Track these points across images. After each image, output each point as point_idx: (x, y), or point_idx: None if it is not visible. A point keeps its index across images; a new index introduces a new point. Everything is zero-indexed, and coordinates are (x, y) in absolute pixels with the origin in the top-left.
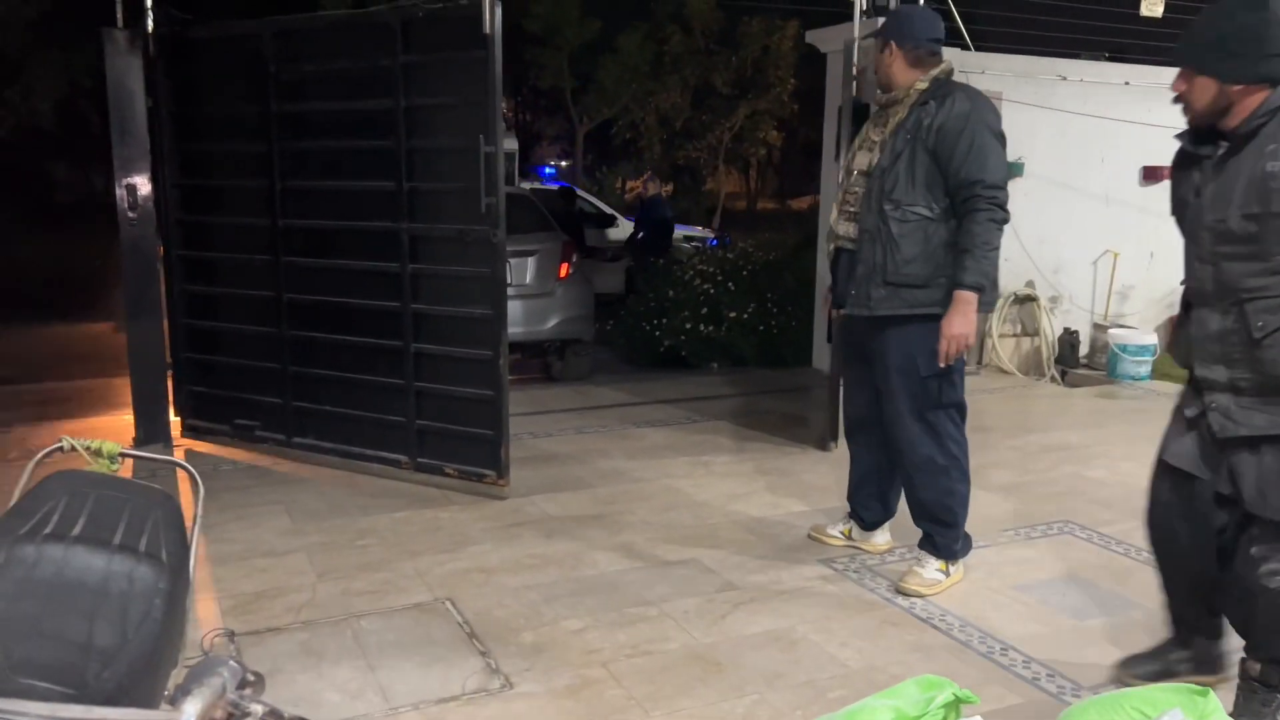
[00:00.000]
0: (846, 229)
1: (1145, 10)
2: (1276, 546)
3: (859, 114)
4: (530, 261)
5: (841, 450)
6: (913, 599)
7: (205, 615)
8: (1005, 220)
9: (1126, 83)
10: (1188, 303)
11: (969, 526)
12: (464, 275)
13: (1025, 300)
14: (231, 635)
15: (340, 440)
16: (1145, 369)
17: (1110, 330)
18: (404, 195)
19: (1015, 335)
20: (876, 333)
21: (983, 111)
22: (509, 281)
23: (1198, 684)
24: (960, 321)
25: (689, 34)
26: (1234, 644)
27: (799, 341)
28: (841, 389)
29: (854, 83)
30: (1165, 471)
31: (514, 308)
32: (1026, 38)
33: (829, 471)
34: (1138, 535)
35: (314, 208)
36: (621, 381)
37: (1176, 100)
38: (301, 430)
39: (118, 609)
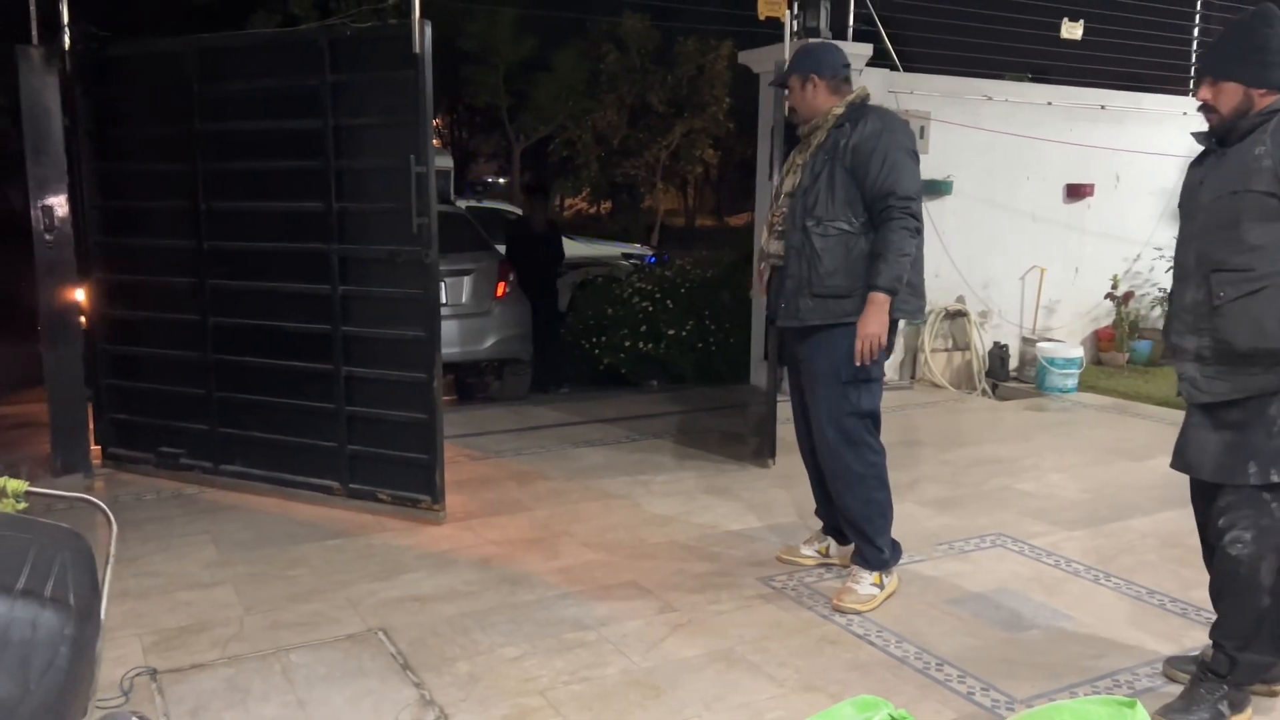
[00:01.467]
0: (776, 247)
1: (1065, 33)
2: (1241, 514)
3: (790, 133)
4: (466, 281)
5: (781, 467)
6: (849, 616)
7: (125, 654)
8: (918, 229)
9: (1049, 103)
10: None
11: (901, 537)
12: (396, 297)
13: (956, 315)
14: (153, 674)
15: (270, 467)
16: (1072, 381)
17: (1038, 344)
18: (333, 216)
19: (947, 350)
20: (804, 342)
21: (894, 130)
22: (445, 301)
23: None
24: (874, 321)
25: (625, 53)
26: None
27: (737, 359)
28: (790, 407)
29: (785, 103)
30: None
31: (450, 327)
32: (953, 59)
33: (768, 488)
34: (1067, 546)
35: (240, 229)
36: (560, 401)
37: (1202, 107)
38: (229, 457)
39: (18, 658)
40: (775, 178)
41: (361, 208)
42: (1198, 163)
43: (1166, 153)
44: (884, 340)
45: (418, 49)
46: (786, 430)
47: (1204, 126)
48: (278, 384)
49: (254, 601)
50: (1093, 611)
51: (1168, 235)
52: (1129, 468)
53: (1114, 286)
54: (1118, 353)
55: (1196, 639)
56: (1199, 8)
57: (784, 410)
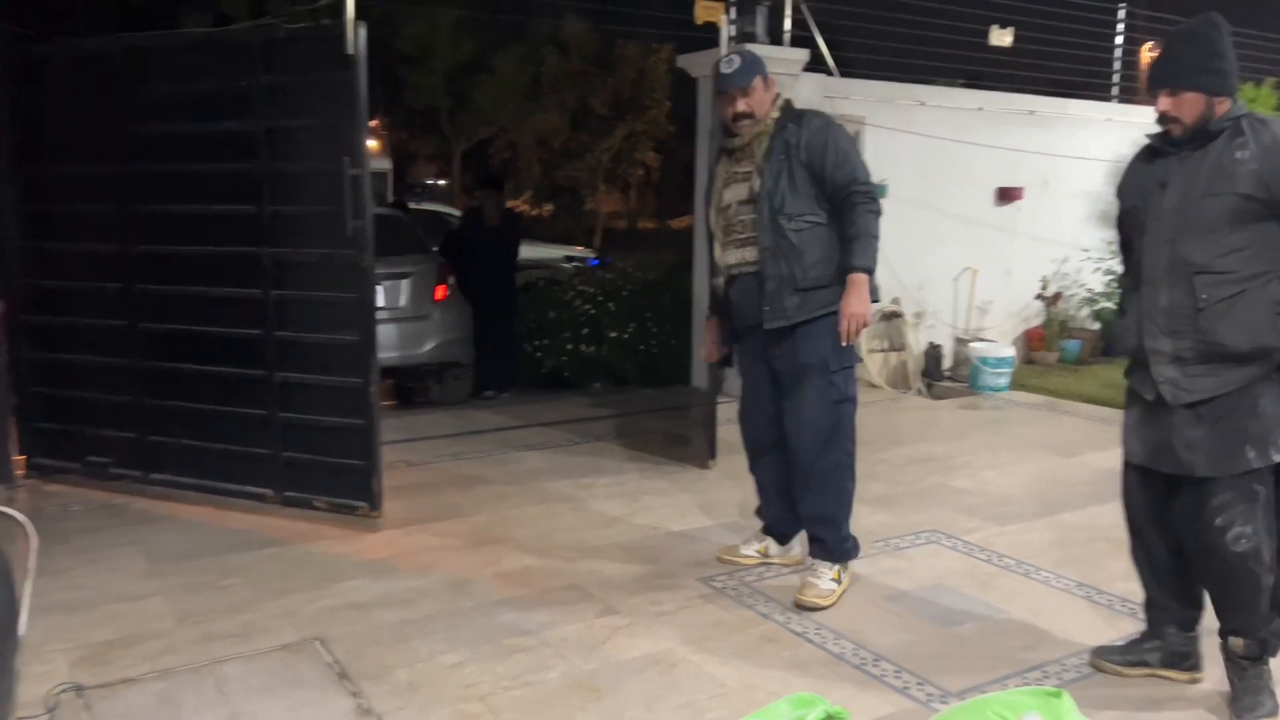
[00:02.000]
0: (741, 255)
1: (994, 40)
2: (1237, 510)
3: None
4: (405, 284)
5: (722, 467)
6: (788, 614)
7: (51, 670)
8: (880, 212)
9: (980, 108)
10: (1123, 292)
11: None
12: (331, 301)
13: (892, 317)
14: (79, 690)
15: (202, 475)
16: (1005, 380)
17: (971, 344)
18: (266, 219)
19: (883, 350)
20: (784, 341)
21: (836, 125)
22: (382, 304)
23: (1160, 676)
24: (857, 301)
25: (566, 56)
26: (1208, 646)
27: (678, 360)
28: (743, 410)
29: (731, 108)
30: (1131, 469)
31: (389, 331)
32: (888, 65)
33: (709, 489)
34: (1000, 542)
35: (171, 233)
36: (502, 404)
37: (1162, 118)
38: (159, 466)
39: None
40: (709, 196)
41: (295, 211)
42: (1145, 161)
43: (1092, 157)
44: (868, 320)
45: (351, 50)
46: (727, 431)
47: (1135, 128)
48: (210, 390)
49: (186, 613)
50: (1024, 605)
51: (1095, 237)
52: (1059, 464)
53: (1044, 287)
54: (1048, 352)
55: (1122, 629)
56: (1121, 17)
57: (724, 411)
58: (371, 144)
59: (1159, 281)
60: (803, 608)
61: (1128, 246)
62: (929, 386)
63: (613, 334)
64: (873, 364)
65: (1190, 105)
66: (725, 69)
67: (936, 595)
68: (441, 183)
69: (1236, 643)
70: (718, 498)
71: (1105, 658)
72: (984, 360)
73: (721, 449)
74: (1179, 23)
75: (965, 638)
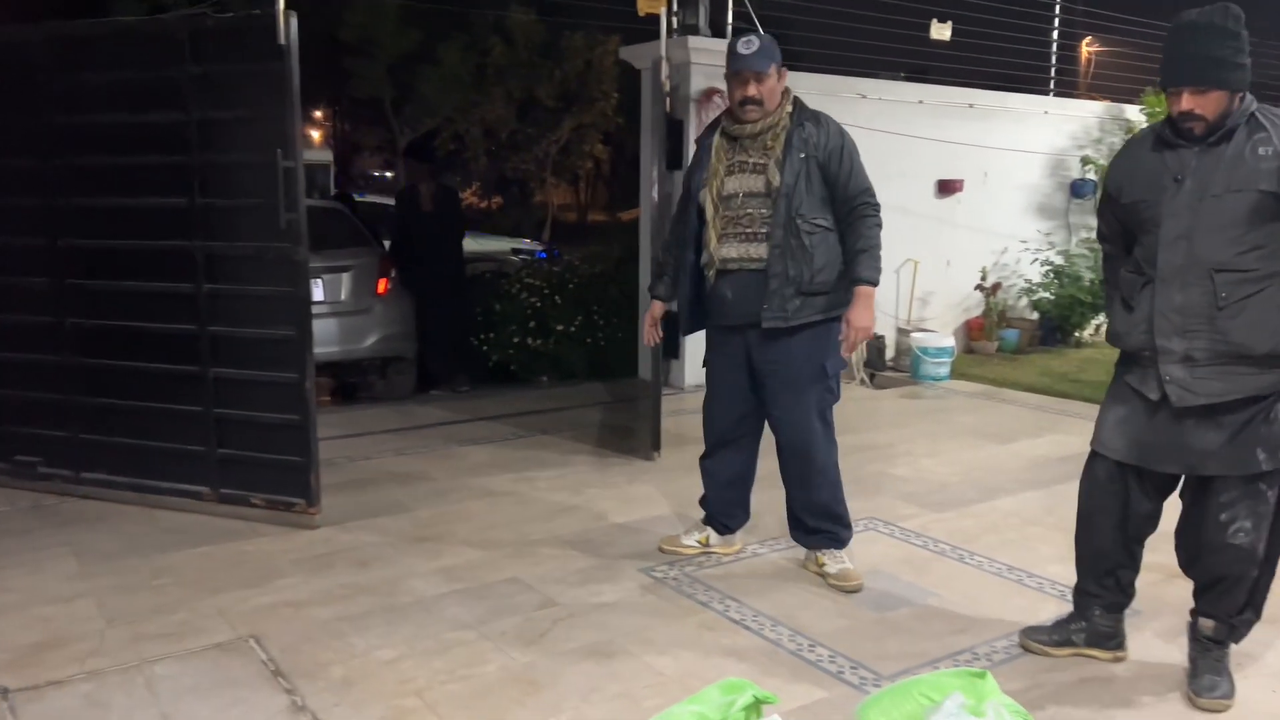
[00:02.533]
0: (744, 250)
1: (934, 34)
2: (1242, 506)
3: (673, 129)
4: (345, 277)
5: (666, 459)
6: (727, 602)
7: None
8: (882, 226)
9: (921, 101)
10: (1122, 285)
11: (778, 525)
12: (265, 295)
13: None
14: (4, 693)
15: (135, 474)
16: (945, 370)
17: (913, 334)
18: (198, 212)
19: None
20: (779, 342)
21: (847, 132)
22: (323, 299)
23: (1086, 655)
24: (865, 313)
25: (511, 46)
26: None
27: (625, 353)
28: (710, 404)
29: (665, 98)
30: (1100, 461)
31: (329, 326)
32: (829, 58)
33: (652, 480)
34: (936, 528)
35: (100, 227)
36: (446, 399)
37: (1183, 118)
38: (91, 465)
39: None
40: (697, 176)
41: (228, 204)
42: (1153, 153)
43: (1030, 149)
44: (872, 331)
45: (283, 40)
46: (673, 422)
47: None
48: (142, 387)
49: (117, 614)
50: (957, 589)
51: (1032, 229)
52: (996, 451)
53: (983, 278)
54: (987, 341)
55: (1051, 610)
56: (1058, 12)
57: (670, 403)
58: (314, 135)
59: (1172, 280)
60: (849, 591)
61: (1126, 238)
62: (871, 377)
63: (559, 327)
64: None
65: (1215, 103)
66: (743, 49)
67: (873, 581)
68: (388, 175)
69: (1206, 624)
70: (662, 489)
71: (1033, 638)
72: (925, 350)
73: (666, 441)
74: (1120, 18)
75: (899, 622)
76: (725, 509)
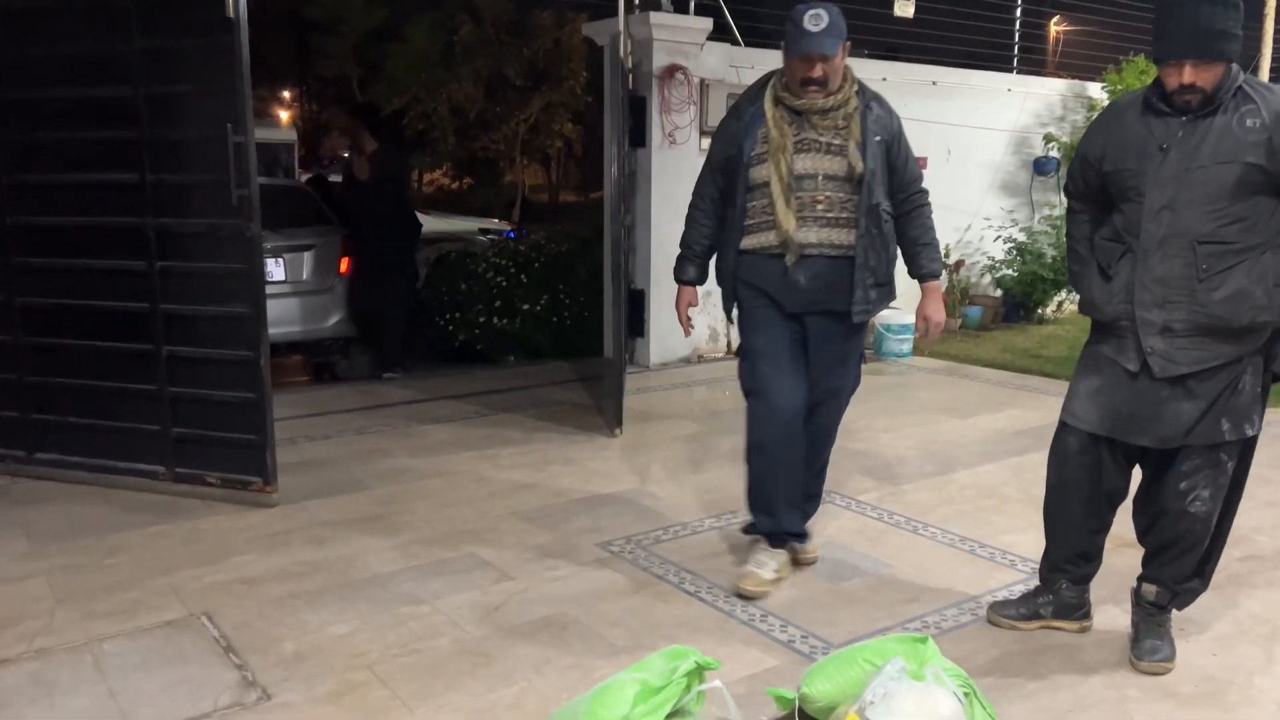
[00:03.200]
0: (826, 236)
1: (898, 10)
2: (1202, 476)
3: (635, 106)
4: (307, 256)
5: (628, 436)
6: (682, 575)
7: None
8: None
9: (884, 79)
10: (1099, 253)
11: (739, 500)
12: (218, 272)
13: None
14: None
15: (89, 454)
16: (908, 346)
17: None
18: (148, 188)
19: None
20: (845, 326)
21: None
22: (284, 278)
23: (1053, 627)
24: (938, 308)
25: (480, 24)
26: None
27: (591, 332)
28: (773, 400)
29: (627, 76)
30: (1070, 432)
31: (291, 305)
32: None
33: (614, 456)
34: (891, 501)
35: (48, 203)
36: (411, 379)
37: (1181, 91)
38: (43, 445)
39: None
40: (743, 148)
41: (179, 180)
42: (1138, 120)
43: (993, 127)
44: (943, 324)
45: (231, 12)
46: (636, 400)
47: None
48: (95, 366)
49: (67, 593)
50: (910, 560)
51: (996, 206)
52: (955, 425)
53: (946, 255)
54: (951, 318)
55: (1002, 580)
56: None
57: (633, 381)
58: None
59: (1154, 250)
60: (808, 563)
61: (1099, 202)
62: None
63: (525, 307)
64: None
65: (1214, 75)
66: (811, 26)
67: (827, 553)
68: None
69: (1150, 589)
70: (622, 466)
71: (1001, 613)
72: (887, 327)
73: (629, 418)
74: None
75: (851, 593)
76: (793, 518)
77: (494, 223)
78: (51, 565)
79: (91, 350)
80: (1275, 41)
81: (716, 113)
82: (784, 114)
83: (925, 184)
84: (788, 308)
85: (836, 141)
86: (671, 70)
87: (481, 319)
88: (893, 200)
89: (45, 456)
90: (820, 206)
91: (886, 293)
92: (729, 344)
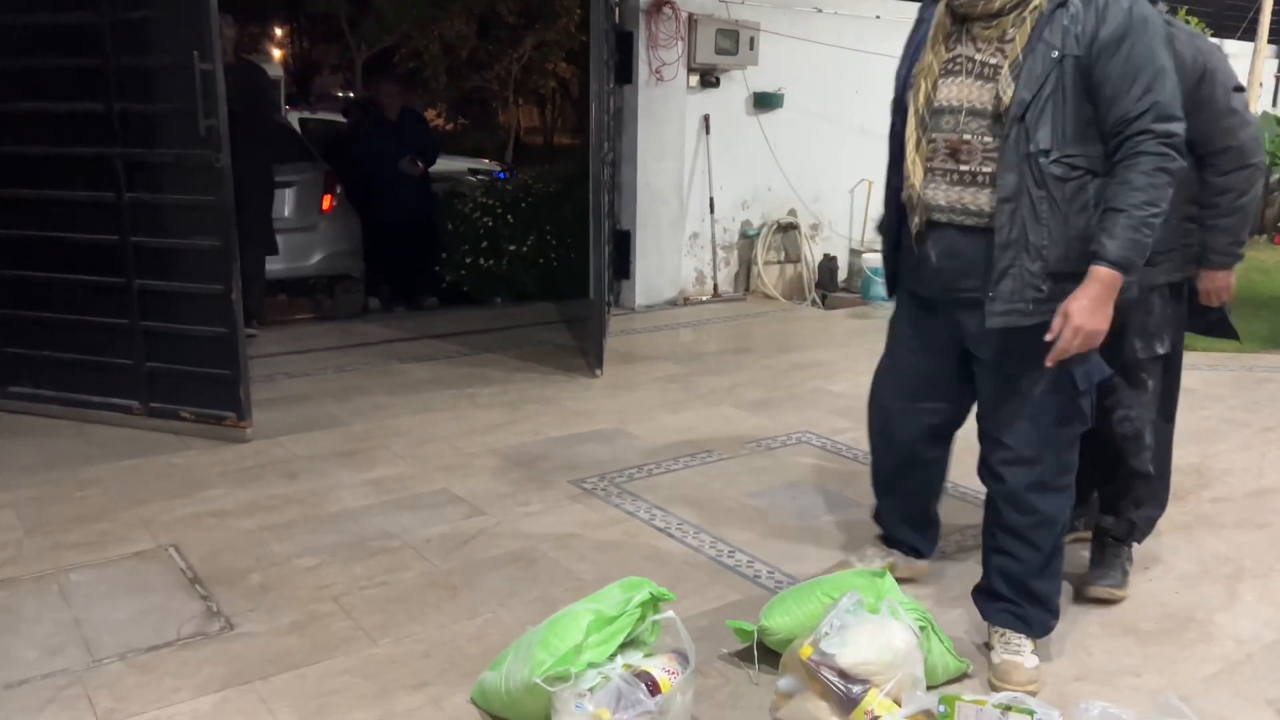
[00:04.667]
0: (956, 197)
1: None
2: (1125, 395)
3: (622, 42)
4: (289, 193)
5: (608, 377)
6: (654, 512)
7: None
8: (1178, 170)
9: (878, 16)
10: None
11: (715, 438)
12: (187, 204)
13: (788, 229)
14: None
15: (63, 388)
16: None
17: (864, 255)
18: (115, 118)
19: (779, 262)
20: (1015, 334)
21: (1144, 8)
22: None
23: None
24: (1089, 310)
25: None
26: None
27: (578, 273)
28: (881, 401)
29: (614, 9)
30: None
31: None
32: None
33: (594, 397)
34: (866, 442)
35: (12, 132)
36: (395, 318)
37: None
38: (16, 378)
39: None
40: (908, 69)
41: (147, 109)
42: None
43: None
44: (1099, 339)
45: None
46: (619, 341)
47: None
48: (66, 299)
49: (36, 524)
50: None
51: None
52: None
53: None
54: None
55: (972, 519)
56: None
57: (617, 323)
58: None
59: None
60: (1016, 687)
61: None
62: (823, 298)
63: (511, 247)
64: (768, 276)
65: None
66: None
67: (798, 491)
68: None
69: (1107, 519)
70: (601, 405)
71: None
72: (875, 271)
73: (611, 359)
74: None
75: (819, 529)
76: (910, 536)
77: (484, 163)
78: (21, 497)
79: (62, 283)
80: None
81: (705, 49)
82: (947, 21)
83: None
84: (915, 288)
85: (993, 61)
86: (659, 4)
87: (468, 260)
88: (1103, 145)
89: (18, 390)
90: (959, 155)
91: (1064, 290)
92: (715, 286)
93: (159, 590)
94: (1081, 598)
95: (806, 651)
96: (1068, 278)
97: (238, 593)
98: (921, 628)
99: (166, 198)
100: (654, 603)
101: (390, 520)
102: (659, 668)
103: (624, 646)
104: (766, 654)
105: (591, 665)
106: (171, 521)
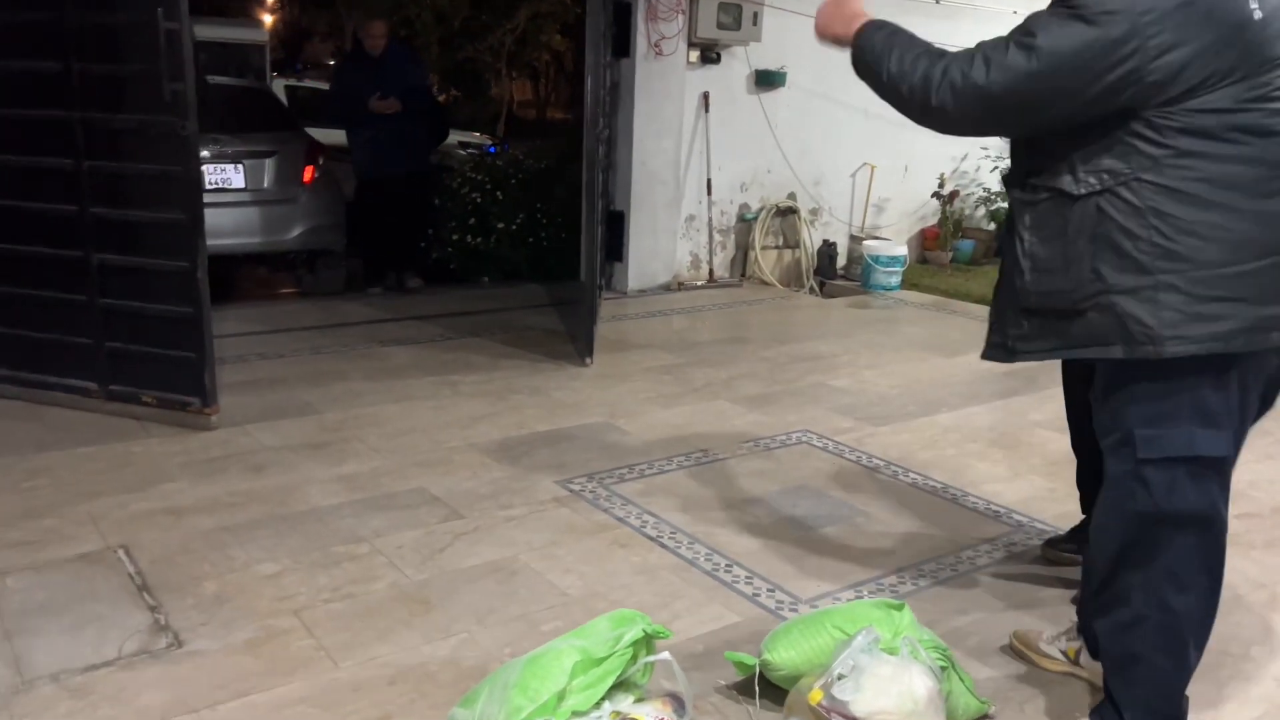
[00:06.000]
0: None
1: None
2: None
3: (620, 13)
4: (268, 163)
5: (598, 366)
6: (645, 518)
7: None
8: (950, 94)
9: None
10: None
11: (710, 435)
12: (151, 174)
13: (787, 213)
14: None
15: (16, 367)
16: (896, 279)
17: (865, 242)
18: (74, 77)
19: (777, 248)
20: (1110, 378)
21: None
22: (244, 186)
23: None
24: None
25: None
26: None
27: (569, 254)
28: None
29: None
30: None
31: (250, 215)
32: None
33: (583, 387)
34: (871, 442)
35: None
36: (377, 297)
37: None
38: None
39: None
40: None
41: (108, 70)
42: None
43: None
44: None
45: None
46: (610, 328)
47: None
48: (21, 273)
49: None
50: (887, 508)
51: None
52: (941, 364)
53: (940, 185)
54: (942, 251)
55: (985, 531)
56: None
57: (608, 308)
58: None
59: None
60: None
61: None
62: (821, 285)
63: (500, 225)
64: (766, 261)
65: None
66: None
67: (800, 497)
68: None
69: None
70: (590, 397)
71: (1056, 547)
72: (876, 259)
73: (602, 346)
74: None
75: (823, 541)
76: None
77: (475, 137)
78: None
79: (16, 255)
80: None
81: (707, 23)
82: None
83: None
84: None
85: None
86: None
87: (455, 237)
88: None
89: None
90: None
91: (1057, 326)
92: (710, 271)
93: (103, 599)
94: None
95: (816, 696)
96: (1042, 313)
97: (189, 603)
98: (943, 667)
99: (129, 166)
100: (648, 641)
101: (361, 522)
102: (652, 715)
103: (613, 689)
104: (768, 687)
105: (576, 714)
106: (124, 519)
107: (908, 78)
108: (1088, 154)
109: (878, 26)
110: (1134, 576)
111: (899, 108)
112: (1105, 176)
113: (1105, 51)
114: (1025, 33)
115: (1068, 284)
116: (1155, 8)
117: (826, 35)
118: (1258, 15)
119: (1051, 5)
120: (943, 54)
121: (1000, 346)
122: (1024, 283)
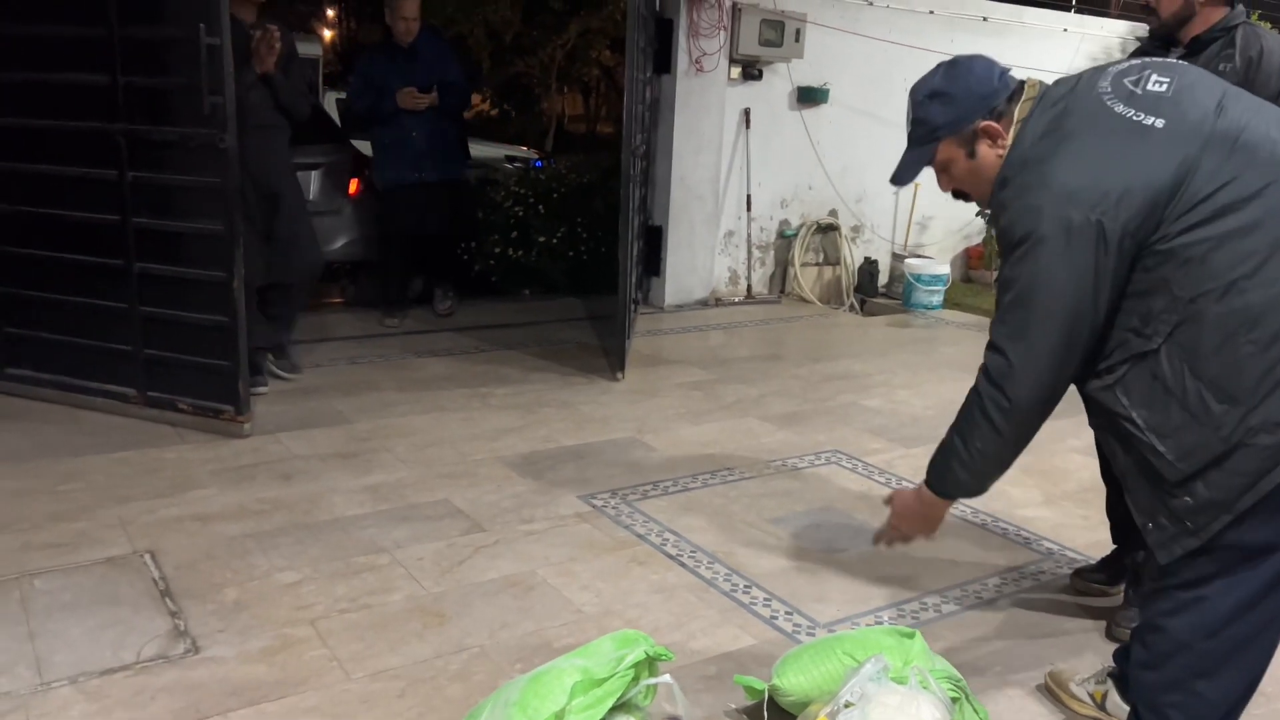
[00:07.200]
0: None
1: None
2: None
3: (662, 29)
4: (314, 175)
5: (630, 381)
6: (666, 536)
7: None
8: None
9: (931, 11)
10: None
11: (738, 453)
12: (191, 186)
13: (828, 229)
14: None
15: (60, 372)
16: (938, 298)
17: (907, 260)
18: (120, 91)
19: (817, 265)
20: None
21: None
22: None
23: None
24: (906, 509)
25: None
26: None
27: (608, 268)
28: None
29: None
30: None
31: None
32: None
33: (612, 402)
34: (901, 465)
35: (12, 104)
36: (415, 308)
37: (1145, 7)
38: (15, 360)
39: None
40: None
41: (151, 83)
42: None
43: (1046, 69)
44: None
45: None
46: (644, 343)
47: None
48: (66, 280)
49: (11, 520)
50: None
51: None
52: None
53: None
54: (986, 271)
55: (1013, 558)
56: None
57: (643, 322)
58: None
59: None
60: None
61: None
62: (861, 303)
63: (541, 239)
64: (805, 278)
65: (1168, 1)
66: None
67: (825, 518)
68: None
69: (1140, 555)
70: (619, 412)
71: (1085, 578)
72: (917, 277)
73: (636, 362)
74: None
75: (846, 564)
76: None
77: (522, 150)
78: (2, 489)
79: (62, 263)
80: None
81: (749, 40)
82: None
83: None
84: None
85: None
86: None
87: (497, 250)
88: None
89: (16, 372)
90: None
91: (1227, 472)
92: (748, 287)
93: (126, 602)
94: (1114, 639)
95: None
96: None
97: (209, 609)
98: (954, 698)
99: (170, 178)
100: (650, 663)
101: (383, 533)
102: None
103: (614, 711)
104: (777, 712)
105: None
106: (152, 523)
107: (978, 448)
108: (1137, 309)
109: (935, 478)
110: None
111: (1007, 453)
112: (1166, 316)
113: (1077, 245)
114: (1001, 318)
115: (1211, 426)
116: (1068, 183)
117: (909, 534)
118: (1159, 125)
119: (1001, 266)
120: (968, 409)
121: (1180, 536)
122: (1166, 460)
